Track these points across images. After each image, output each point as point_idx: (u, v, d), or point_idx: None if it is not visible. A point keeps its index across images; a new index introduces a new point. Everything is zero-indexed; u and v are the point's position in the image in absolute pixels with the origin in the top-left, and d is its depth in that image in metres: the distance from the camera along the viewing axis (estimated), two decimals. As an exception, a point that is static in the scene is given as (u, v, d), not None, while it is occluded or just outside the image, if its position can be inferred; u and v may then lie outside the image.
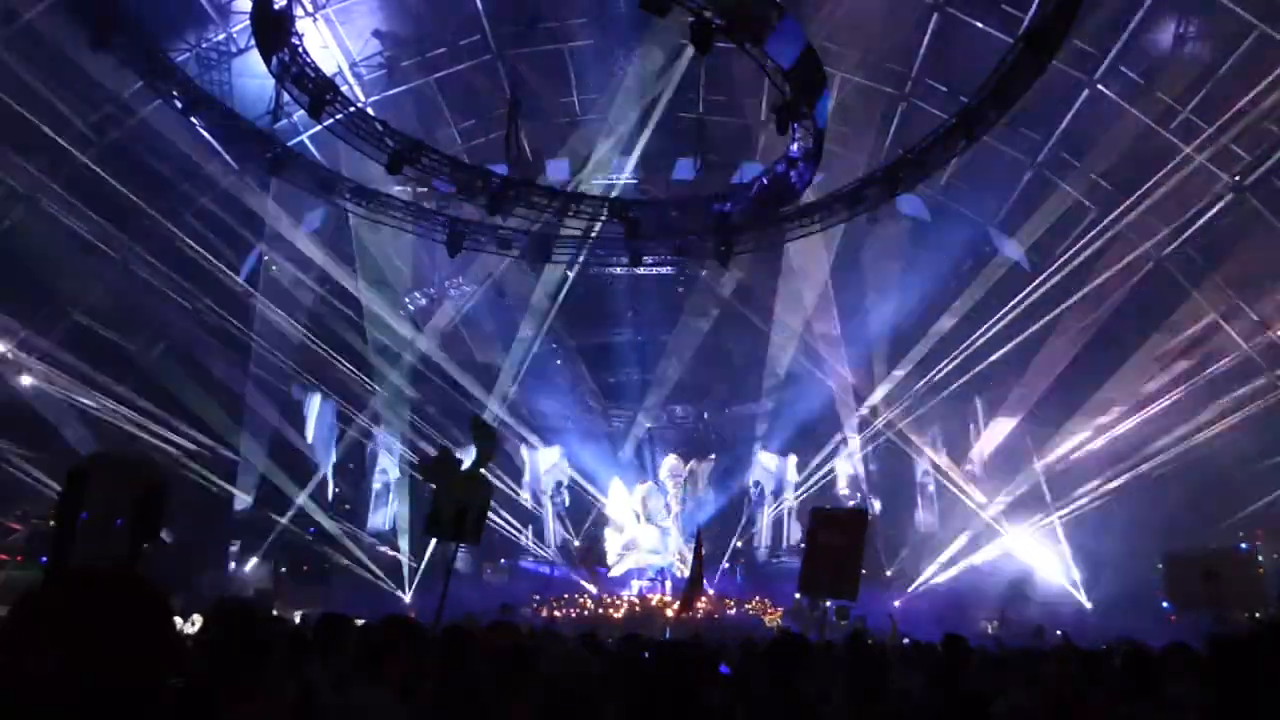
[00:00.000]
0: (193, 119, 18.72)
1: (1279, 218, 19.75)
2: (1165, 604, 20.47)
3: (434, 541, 23.18)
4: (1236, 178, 19.73)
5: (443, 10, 21.83)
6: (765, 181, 19.29)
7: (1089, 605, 23.77)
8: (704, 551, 29.76)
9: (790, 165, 18.10)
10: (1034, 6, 15.85)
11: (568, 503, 31.94)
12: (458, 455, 9.25)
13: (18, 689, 1.56)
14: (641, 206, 20.81)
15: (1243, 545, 21.29)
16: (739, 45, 14.69)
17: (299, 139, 22.09)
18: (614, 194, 23.41)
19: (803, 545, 10.41)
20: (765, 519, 31.09)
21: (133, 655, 1.66)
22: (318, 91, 17.22)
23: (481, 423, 9.27)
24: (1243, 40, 17.75)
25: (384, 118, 19.06)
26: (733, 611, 25.64)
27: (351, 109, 18.24)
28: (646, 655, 6.20)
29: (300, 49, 16.90)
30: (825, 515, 11.44)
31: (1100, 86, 19.93)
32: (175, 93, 18.08)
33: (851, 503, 29.19)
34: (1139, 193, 20.72)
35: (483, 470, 9.00)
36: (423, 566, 26.53)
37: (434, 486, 8.93)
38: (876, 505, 29.43)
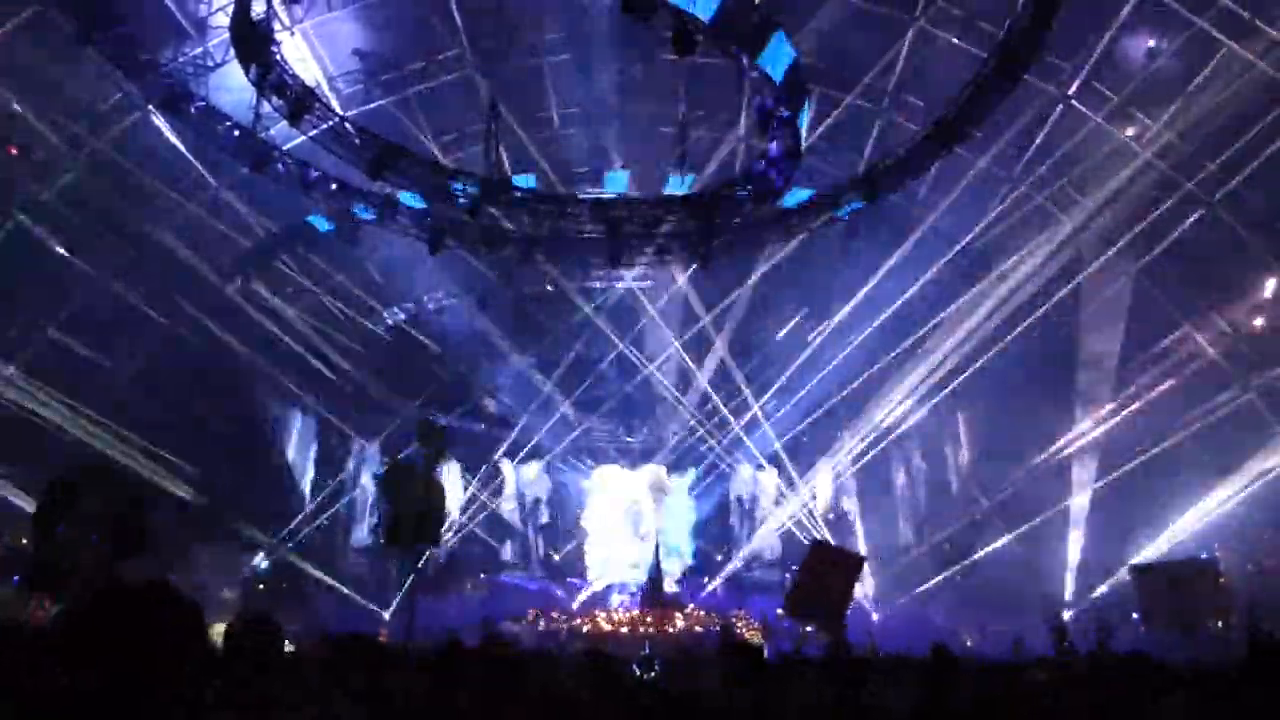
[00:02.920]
0: (175, 123, 18.55)
1: (1248, 230, 20.18)
2: (1135, 615, 20.69)
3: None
4: (1207, 190, 20.13)
5: (421, 26, 21.79)
6: (746, 180, 19.33)
7: (1067, 616, 23.87)
8: (687, 564, 30.05)
9: (770, 164, 18.16)
10: (1007, 24, 16.10)
11: (547, 518, 31.78)
12: (410, 462, 9.20)
13: (70, 696, 1.63)
14: (622, 206, 20.72)
15: (1204, 555, 21.57)
16: (724, 51, 14.80)
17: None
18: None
19: (794, 568, 10.42)
20: (744, 532, 31.07)
21: (174, 661, 1.73)
22: (298, 99, 17.13)
23: (429, 425, 9.22)
24: (1211, 56, 18.17)
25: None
26: (714, 627, 25.54)
27: (336, 118, 18.15)
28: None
29: (279, 56, 16.83)
30: (825, 551, 11.29)
31: (1074, 101, 20.29)
32: (153, 99, 17.96)
33: (831, 514, 29.33)
34: (1109, 203, 21.13)
35: (435, 473, 8.98)
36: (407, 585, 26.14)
37: (389, 499, 8.92)
38: (859, 525, 29.51)
